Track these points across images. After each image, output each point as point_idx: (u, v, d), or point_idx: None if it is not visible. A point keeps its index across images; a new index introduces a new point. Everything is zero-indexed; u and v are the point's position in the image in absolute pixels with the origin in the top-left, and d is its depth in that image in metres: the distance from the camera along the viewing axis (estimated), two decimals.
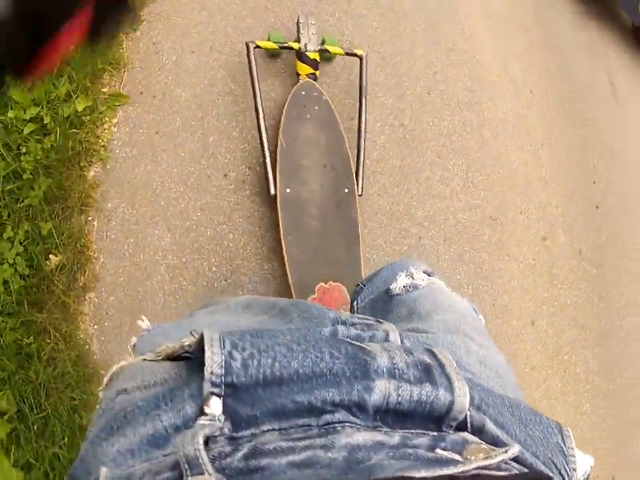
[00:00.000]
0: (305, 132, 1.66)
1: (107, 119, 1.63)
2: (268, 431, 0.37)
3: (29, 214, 1.46)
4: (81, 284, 1.48)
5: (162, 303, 1.54)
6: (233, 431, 0.36)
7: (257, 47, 1.68)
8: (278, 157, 1.60)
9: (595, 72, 2.93)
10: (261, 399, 0.38)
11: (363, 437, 0.37)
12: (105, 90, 1.64)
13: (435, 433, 0.41)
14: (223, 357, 0.38)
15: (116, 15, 0.40)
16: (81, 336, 1.45)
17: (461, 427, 0.43)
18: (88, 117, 1.59)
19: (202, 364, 0.38)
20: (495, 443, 0.43)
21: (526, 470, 0.41)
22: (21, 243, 1.44)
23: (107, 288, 1.51)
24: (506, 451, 0.38)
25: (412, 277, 0.81)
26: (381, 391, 0.40)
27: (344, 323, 0.54)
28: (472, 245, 2.02)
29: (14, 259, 1.42)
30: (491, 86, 2.30)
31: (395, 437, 0.38)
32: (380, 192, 1.85)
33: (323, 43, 1.82)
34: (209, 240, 1.63)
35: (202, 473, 0.32)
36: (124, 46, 1.71)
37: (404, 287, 0.79)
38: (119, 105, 1.65)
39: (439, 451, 0.38)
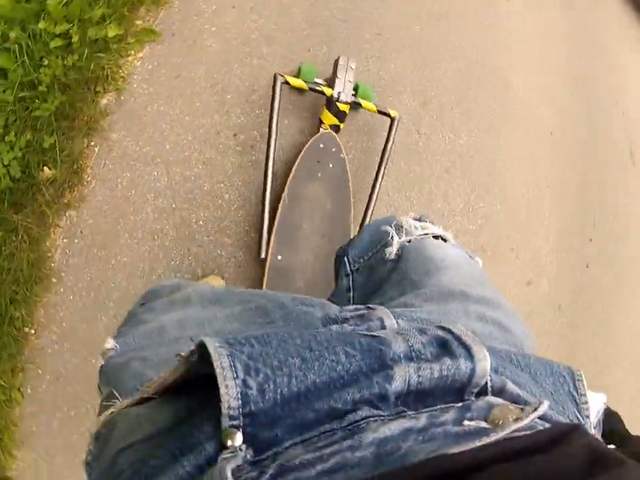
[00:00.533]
0: (312, 192, 1.57)
1: (133, 51, 1.62)
2: (290, 446, 0.35)
3: (36, 125, 1.47)
4: (65, 200, 1.50)
5: (139, 238, 1.56)
6: (255, 455, 0.34)
7: (286, 82, 1.59)
8: (278, 215, 1.52)
9: (616, 130, 2.93)
10: (280, 418, 0.35)
11: (389, 427, 0.35)
12: (138, 22, 1.64)
13: (460, 404, 0.39)
14: (238, 388, 0.34)
15: None
16: (47, 244, 1.47)
17: (482, 392, 0.41)
18: (115, 45, 1.58)
19: (207, 393, 0.36)
20: (517, 402, 0.41)
21: (548, 425, 0.39)
22: (20, 149, 1.45)
23: (89, 211, 1.53)
24: (536, 409, 0.36)
25: (402, 230, 0.78)
26: (402, 377, 0.38)
27: (335, 321, 0.51)
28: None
29: (10, 161, 1.44)
30: (515, 117, 2.31)
31: (422, 419, 0.37)
32: (380, 192, 1.87)
33: (356, 88, 1.71)
34: (204, 194, 1.64)
35: None
36: None
37: (398, 250, 0.76)
38: (148, 41, 1.65)
39: (466, 422, 0.37)
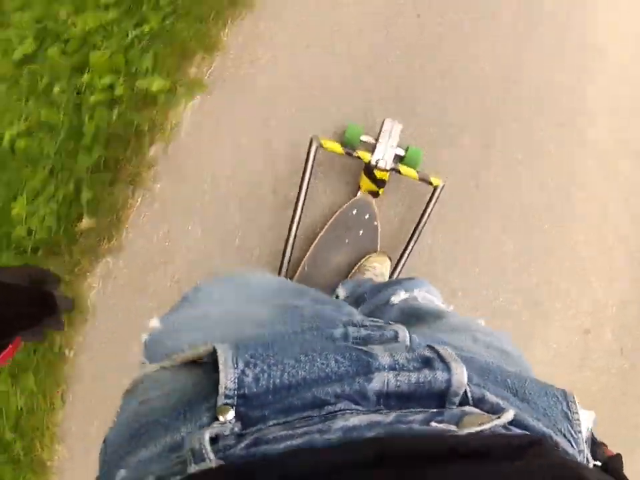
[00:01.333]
0: (335, 260, 1.52)
1: (182, 101, 1.63)
2: (273, 425, 0.40)
3: (77, 177, 1.52)
4: (102, 249, 1.56)
5: (167, 287, 1.60)
6: (242, 429, 0.40)
7: (320, 146, 1.53)
8: (295, 279, 1.48)
9: None
10: (269, 402, 0.42)
11: (359, 419, 0.39)
12: (192, 70, 1.64)
13: (435, 410, 0.43)
14: (236, 375, 0.42)
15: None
16: (82, 286, 1.54)
17: (463, 402, 0.45)
18: (163, 96, 1.60)
19: (217, 374, 0.43)
20: (496, 411, 0.45)
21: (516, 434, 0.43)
22: (58, 202, 1.51)
23: (124, 260, 1.57)
24: (499, 417, 0.41)
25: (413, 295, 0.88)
26: (380, 379, 0.43)
27: (355, 325, 0.55)
28: (503, 321, 1.89)
29: (47, 214, 1.49)
30: (589, 171, 2.07)
31: (391, 416, 0.41)
32: (432, 249, 1.73)
33: (406, 150, 1.61)
34: (234, 248, 1.63)
35: (204, 461, 0.36)
36: (226, 30, 1.68)
37: (404, 298, 0.85)
38: (197, 93, 1.65)
39: (433, 424, 0.40)
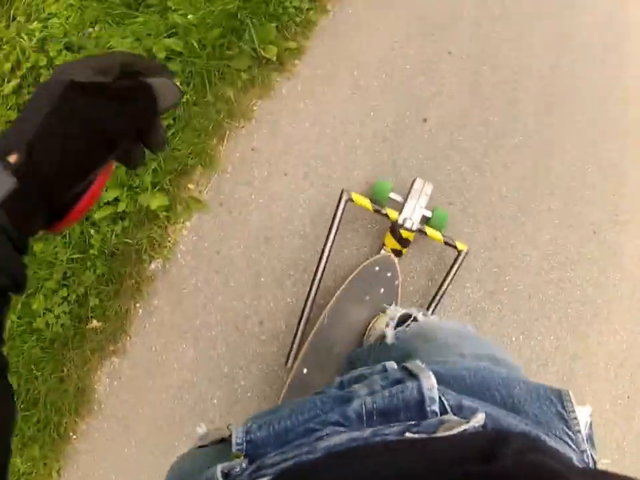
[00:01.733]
0: (354, 316, 1.46)
1: (181, 219, 1.65)
2: (273, 456, 0.47)
3: (85, 284, 1.59)
4: (109, 349, 1.61)
5: (162, 398, 1.60)
6: (249, 464, 0.48)
7: (350, 199, 1.55)
8: (314, 330, 1.43)
9: None
10: (270, 442, 0.50)
11: (339, 437, 0.45)
12: (190, 186, 1.68)
13: (413, 422, 0.46)
14: (244, 429, 0.53)
15: (140, 151, 0.47)
16: (91, 380, 1.61)
17: (443, 411, 0.48)
18: (164, 213, 1.63)
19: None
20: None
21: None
22: (69, 304, 1.60)
23: (128, 362, 1.61)
24: (468, 421, 0.43)
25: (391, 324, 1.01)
26: (358, 402, 0.50)
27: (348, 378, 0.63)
28: None
29: (60, 313, 1.59)
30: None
31: (367, 432, 0.45)
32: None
33: (433, 211, 1.60)
34: (222, 375, 1.61)
35: None
36: (224, 144, 1.73)
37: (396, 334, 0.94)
38: (195, 211, 1.67)
39: (407, 434, 0.44)
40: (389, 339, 0.93)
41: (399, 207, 1.55)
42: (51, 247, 1.59)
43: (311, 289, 1.48)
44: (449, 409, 0.47)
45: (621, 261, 1.82)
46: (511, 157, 1.83)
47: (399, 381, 0.52)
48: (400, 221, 1.51)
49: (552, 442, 0.47)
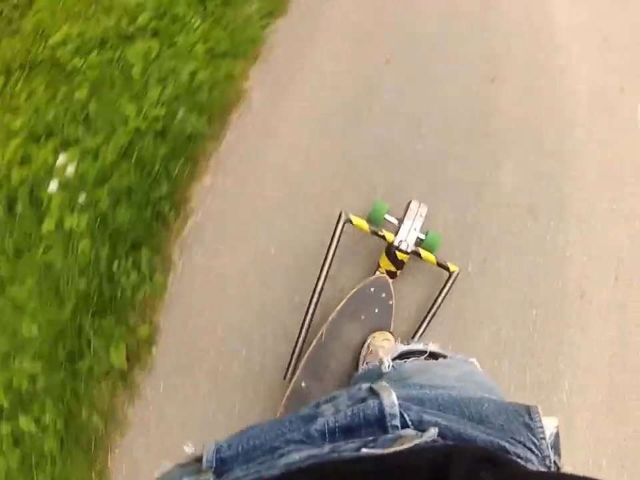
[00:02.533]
0: (349, 334, 1.54)
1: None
2: (237, 472, 0.49)
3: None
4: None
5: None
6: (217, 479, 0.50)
7: (349, 221, 1.61)
8: (312, 346, 1.51)
9: None
10: (238, 459, 0.52)
11: (299, 455, 0.47)
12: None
13: (370, 438, 0.49)
14: (215, 447, 0.54)
15: None
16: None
17: (404, 425, 0.51)
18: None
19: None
20: (440, 430, 0.49)
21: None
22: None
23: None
24: (421, 436, 0.46)
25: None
26: (321, 420, 0.53)
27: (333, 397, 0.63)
28: None
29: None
30: None
31: (326, 448, 0.48)
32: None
33: (426, 234, 1.68)
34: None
35: None
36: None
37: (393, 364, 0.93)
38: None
39: (364, 450, 0.45)
40: (385, 368, 0.92)
41: (394, 229, 1.65)
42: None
43: (309, 307, 1.55)
44: (409, 424, 0.50)
45: None
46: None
47: (363, 400, 0.55)
48: (396, 243, 1.59)
49: (514, 448, 0.50)
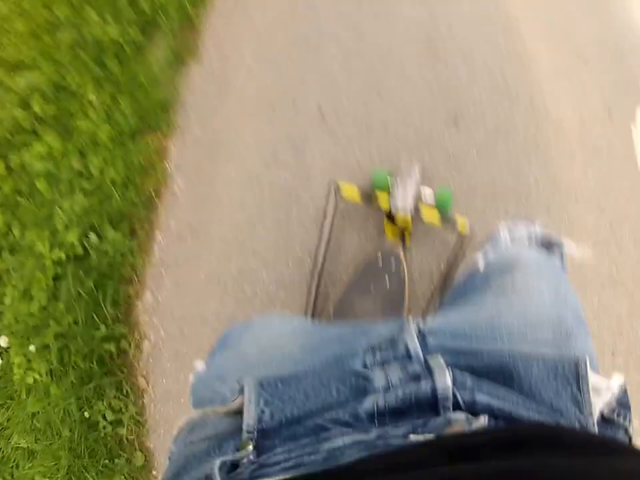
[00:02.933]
0: (360, 308, 1.45)
1: None
2: (279, 452, 0.46)
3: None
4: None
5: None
6: (256, 457, 0.47)
7: (339, 191, 1.53)
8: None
9: None
10: (280, 433, 0.50)
11: (343, 440, 0.45)
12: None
13: (420, 420, 0.47)
14: (256, 414, 0.50)
15: None
16: None
17: (457, 407, 0.49)
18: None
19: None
20: (487, 412, 0.48)
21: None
22: None
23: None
24: (471, 423, 0.45)
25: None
26: (370, 401, 0.50)
27: (373, 349, 0.59)
28: None
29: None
30: None
31: (372, 433, 0.46)
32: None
33: (441, 197, 1.55)
34: None
35: None
36: None
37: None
38: None
39: (412, 436, 0.44)
40: (480, 266, 0.84)
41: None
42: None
43: (310, 288, 1.49)
44: (462, 405, 0.49)
45: None
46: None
47: (416, 377, 0.51)
48: (393, 209, 1.47)
49: (562, 431, 0.46)
